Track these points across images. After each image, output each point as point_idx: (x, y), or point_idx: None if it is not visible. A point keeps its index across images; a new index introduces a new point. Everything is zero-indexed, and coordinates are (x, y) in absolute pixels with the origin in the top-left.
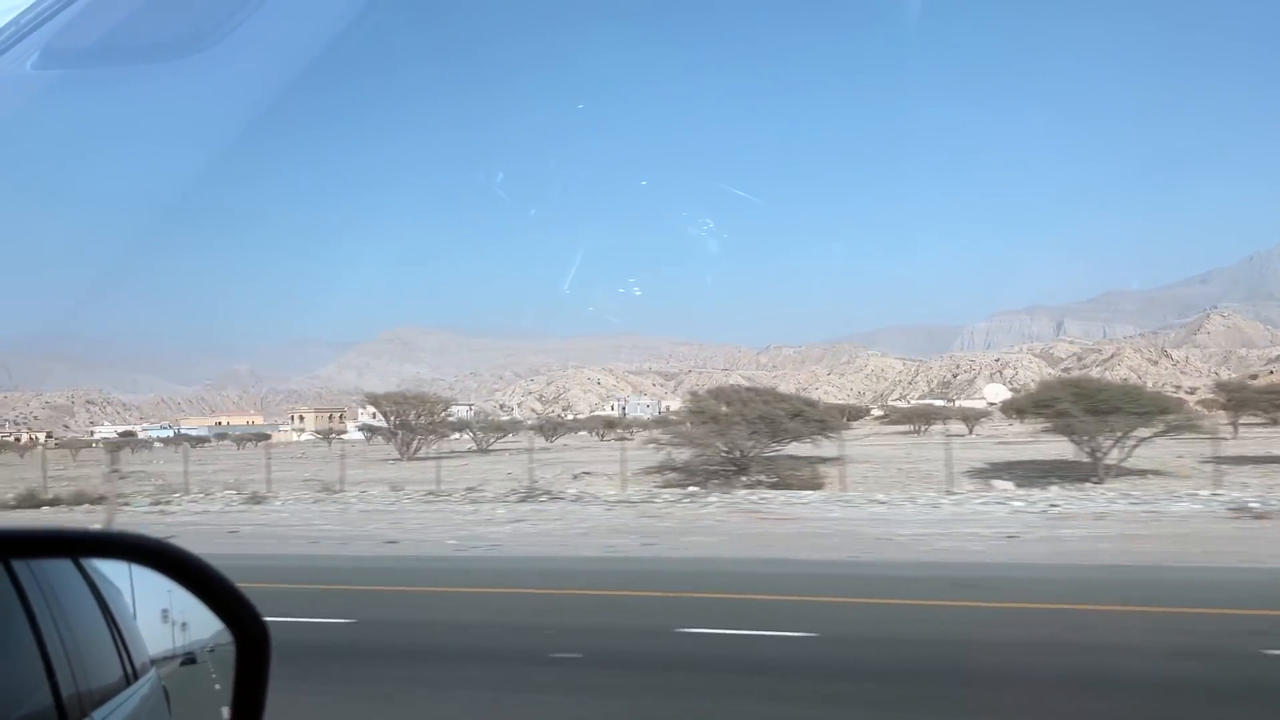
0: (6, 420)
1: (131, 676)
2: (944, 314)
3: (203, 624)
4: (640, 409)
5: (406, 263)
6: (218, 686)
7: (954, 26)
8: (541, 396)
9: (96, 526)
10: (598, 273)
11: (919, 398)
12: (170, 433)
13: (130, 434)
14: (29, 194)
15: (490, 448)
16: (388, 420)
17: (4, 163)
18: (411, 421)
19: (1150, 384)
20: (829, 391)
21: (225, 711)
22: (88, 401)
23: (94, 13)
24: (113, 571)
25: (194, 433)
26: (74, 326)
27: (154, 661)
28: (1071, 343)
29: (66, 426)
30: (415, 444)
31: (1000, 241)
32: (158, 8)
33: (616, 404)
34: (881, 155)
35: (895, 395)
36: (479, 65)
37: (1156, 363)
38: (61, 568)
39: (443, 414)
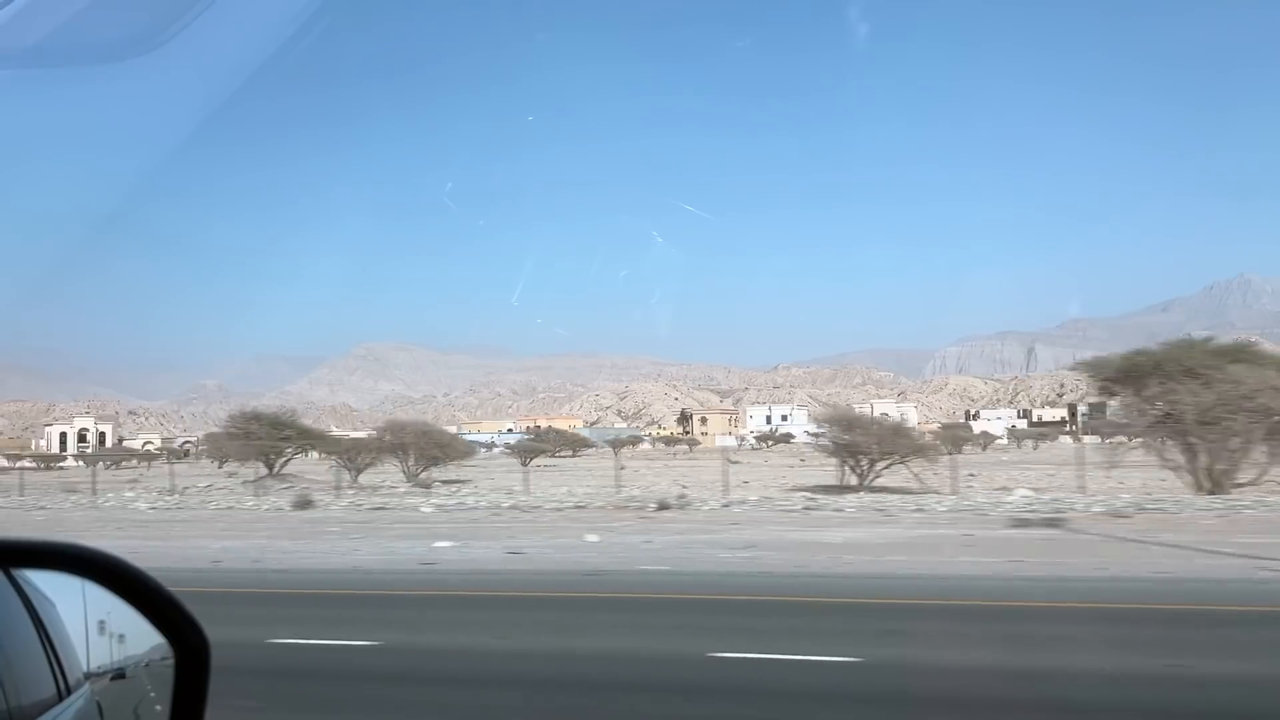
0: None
1: (64, 692)
2: (908, 338)
3: (142, 637)
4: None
5: (354, 277)
6: (153, 696)
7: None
8: (621, 411)
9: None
10: (544, 287)
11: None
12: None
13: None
14: None
15: None
16: None
17: None
18: None
19: None
20: (922, 412)
21: None
22: (130, 412)
23: (36, 11)
24: (46, 583)
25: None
26: (19, 338)
27: (88, 676)
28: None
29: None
30: None
31: (950, 266)
32: (103, 8)
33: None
34: (830, 178)
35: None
36: (427, 76)
37: None
38: None
39: None
